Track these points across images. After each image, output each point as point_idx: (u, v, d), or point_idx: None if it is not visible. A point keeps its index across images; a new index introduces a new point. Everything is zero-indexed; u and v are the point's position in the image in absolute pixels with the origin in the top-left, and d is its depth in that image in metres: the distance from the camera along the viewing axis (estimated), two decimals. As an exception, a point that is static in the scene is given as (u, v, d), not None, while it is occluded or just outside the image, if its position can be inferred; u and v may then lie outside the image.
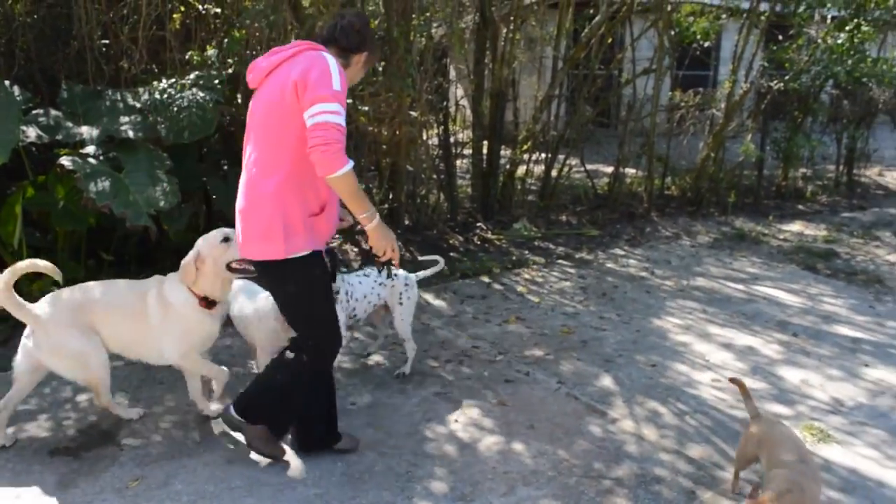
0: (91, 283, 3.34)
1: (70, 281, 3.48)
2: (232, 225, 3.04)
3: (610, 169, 9.01)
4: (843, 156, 10.48)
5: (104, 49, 5.55)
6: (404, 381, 3.99)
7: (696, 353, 4.48)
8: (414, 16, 6.33)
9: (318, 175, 2.66)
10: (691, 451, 3.34)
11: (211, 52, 5.40)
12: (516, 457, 3.27)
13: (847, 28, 8.48)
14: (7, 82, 4.70)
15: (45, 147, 4.86)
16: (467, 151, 8.32)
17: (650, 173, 8.75)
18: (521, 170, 8.36)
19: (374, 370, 4.16)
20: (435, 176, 7.67)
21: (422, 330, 4.73)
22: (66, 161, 4.34)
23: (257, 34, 5.53)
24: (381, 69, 6.12)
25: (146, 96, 5.01)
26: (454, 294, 5.54)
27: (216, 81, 5.06)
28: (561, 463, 3.22)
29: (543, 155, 8.64)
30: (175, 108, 4.86)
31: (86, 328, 3.19)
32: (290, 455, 3.17)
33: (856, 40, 8.41)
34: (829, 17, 8.82)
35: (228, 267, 3.20)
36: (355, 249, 6.47)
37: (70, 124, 4.80)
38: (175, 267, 3.29)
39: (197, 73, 5.16)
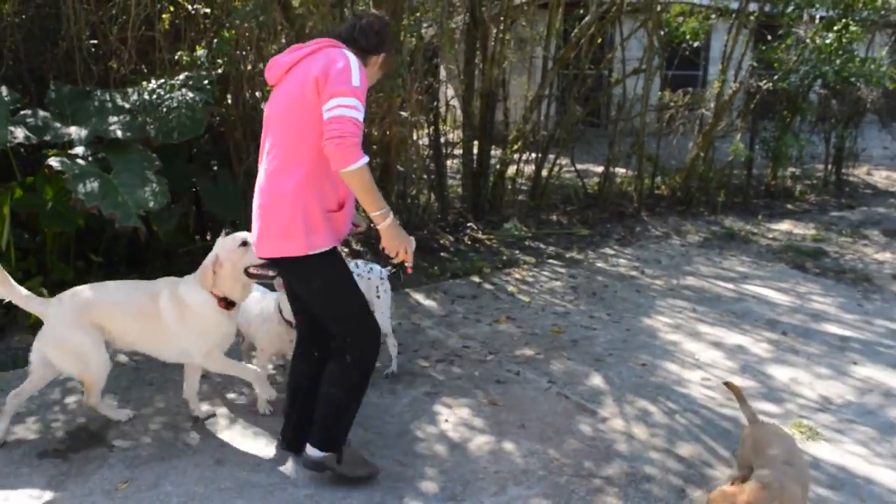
0: (104, 283, 3.37)
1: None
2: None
3: (600, 168, 9.03)
4: (831, 155, 10.53)
5: (93, 49, 5.52)
6: (394, 381, 3.99)
7: (686, 351, 4.50)
8: (404, 16, 6.33)
9: (332, 169, 2.61)
10: (681, 449, 3.36)
11: (200, 52, 5.37)
12: (507, 456, 3.27)
13: (835, 28, 8.53)
14: (-5, 83, 4.69)
15: (33, 148, 4.84)
16: (458, 151, 8.32)
17: (640, 173, 8.77)
18: (512, 170, 8.36)
19: (365, 370, 4.15)
20: (425, 176, 7.67)
21: (412, 330, 4.73)
22: (54, 162, 4.31)
23: (247, 34, 5.50)
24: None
25: (135, 97, 4.99)
26: (445, 294, 5.55)
27: (206, 82, 5.04)
28: (551, 462, 3.23)
29: (534, 155, 8.64)
30: (164, 109, 4.84)
31: (91, 327, 3.20)
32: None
33: (844, 40, 8.45)
34: (818, 17, 8.87)
35: (247, 272, 3.17)
36: (346, 250, 6.47)
37: (58, 125, 4.77)
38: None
39: (186, 73, 5.14)
